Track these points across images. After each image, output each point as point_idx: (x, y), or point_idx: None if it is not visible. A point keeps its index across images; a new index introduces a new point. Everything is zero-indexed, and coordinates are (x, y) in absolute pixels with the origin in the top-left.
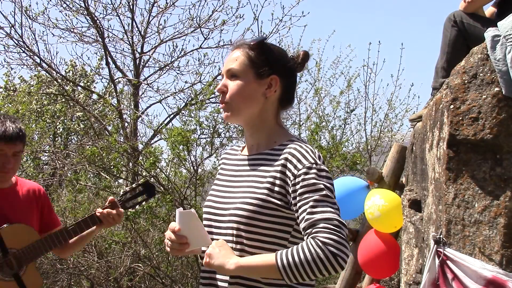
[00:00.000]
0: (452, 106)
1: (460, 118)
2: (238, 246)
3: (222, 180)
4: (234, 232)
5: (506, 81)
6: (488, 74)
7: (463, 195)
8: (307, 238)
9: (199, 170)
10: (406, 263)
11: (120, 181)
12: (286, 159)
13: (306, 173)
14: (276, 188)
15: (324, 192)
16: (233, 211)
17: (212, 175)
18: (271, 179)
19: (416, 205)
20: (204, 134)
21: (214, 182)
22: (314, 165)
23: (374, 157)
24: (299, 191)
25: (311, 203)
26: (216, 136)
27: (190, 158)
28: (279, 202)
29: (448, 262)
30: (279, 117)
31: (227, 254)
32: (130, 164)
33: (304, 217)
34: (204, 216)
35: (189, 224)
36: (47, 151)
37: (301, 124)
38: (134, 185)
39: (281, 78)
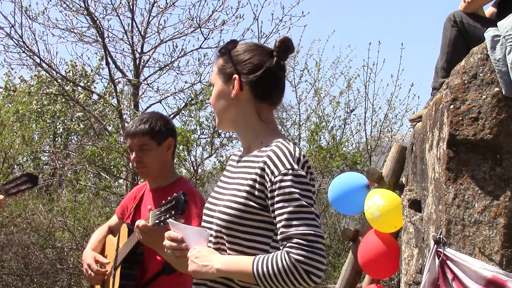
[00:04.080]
0: (452, 106)
1: (460, 118)
2: (219, 249)
3: (220, 181)
4: (219, 234)
5: (506, 81)
6: (488, 74)
7: (463, 195)
8: (282, 251)
9: (199, 170)
10: (406, 263)
11: (120, 181)
12: (265, 162)
13: (281, 180)
14: (256, 192)
15: (299, 202)
16: (216, 214)
17: (212, 175)
18: (251, 182)
19: (416, 205)
20: (204, 134)
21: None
22: (290, 171)
23: (374, 157)
24: (276, 199)
25: (285, 215)
26: (216, 136)
27: (190, 158)
28: (259, 206)
29: (448, 262)
30: (262, 114)
31: (210, 257)
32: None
33: (279, 228)
34: (203, 218)
35: (193, 239)
36: (47, 151)
37: (301, 124)
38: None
39: (243, 76)
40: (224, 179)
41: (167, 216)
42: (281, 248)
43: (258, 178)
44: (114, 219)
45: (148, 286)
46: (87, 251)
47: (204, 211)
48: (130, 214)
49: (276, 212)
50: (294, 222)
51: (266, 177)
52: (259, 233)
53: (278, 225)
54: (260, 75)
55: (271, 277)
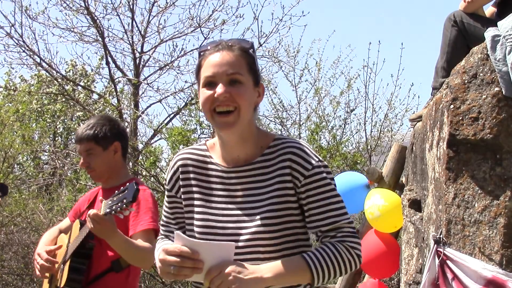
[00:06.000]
0: (452, 106)
1: (460, 118)
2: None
3: (212, 200)
4: (260, 249)
5: (506, 81)
6: (488, 74)
7: (463, 195)
8: (334, 241)
9: None
10: (406, 263)
11: None
12: (291, 160)
13: (316, 173)
14: (291, 191)
15: (335, 192)
16: (254, 229)
17: None
18: (280, 185)
19: (416, 205)
20: (204, 134)
21: (196, 197)
22: (320, 163)
23: (374, 157)
24: (314, 191)
25: (330, 206)
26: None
27: None
28: (294, 205)
29: (448, 262)
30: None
31: (253, 268)
32: (130, 164)
33: (324, 218)
34: (204, 236)
35: (214, 256)
36: (47, 151)
37: (301, 124)
38: None
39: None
40: (220, 193)
41: (119, 205)
42: (325, 238)
43: (288, 178)
44: (65, 222)
45: (95, 281)
46: (39, 247)
47: (210, 236)
48: (83, 213)
49: (316, 204)
50: (339, 212)
51: (295, 173)
52: (302, 232)
53: (320, 216)
54: None
55: (329, 269)
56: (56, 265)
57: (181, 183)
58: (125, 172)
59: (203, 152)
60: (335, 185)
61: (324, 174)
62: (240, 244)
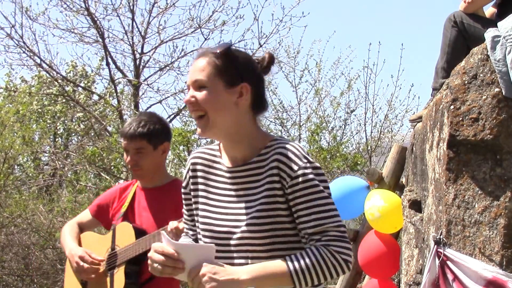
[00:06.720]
0: (452, 107)
1: (460, 119)
2: (249, 262)
3: (214, 198)
4: (249, 248)
5: (506, 82)
6: (488, 75)
7: (463, 195)
8: (318, 245)
9: None
10: (406, 264)
11: (121, 181)
12: (278, 160)
13: (303, 174)
14: (278, 192)
15: (324, 194)
16: (244, 228)
17: None
18: (269, 186)
19: (416, 205)
20: None
21: (201, 194)
22: (308, 164)
23: (374, 157)
24: (299, 193)
25: (315, 209)
26: None
27: None
28: (284, 206)
29: (448, 262)
30: (256, 122)
31: (230, 270)
32: None
33: (309, 221)
34: (206, 240)
35: (195, 257)
36: (47, 152)
37: (301, 124)
38: None
39: (251, 85)
40: (221, 191)
41: None
42: (311, 241)
43: (276, 178)
44: (86, 216)
45: (146, 284)
46: (73, 246)
47: (209, 233)
48: (121, 214)
49: (302, 206)
50: (325, 215)
51: (282, 174)
52: (292, 233)
53: (306, 218)
54: (263, 86)
55: (311, 274)
56: (101, 269)
57: (191, 180)
58: (166, 172)
59: (214, 152)
60: (326, 187)
61: (312, 176)
62: (232, 242)
